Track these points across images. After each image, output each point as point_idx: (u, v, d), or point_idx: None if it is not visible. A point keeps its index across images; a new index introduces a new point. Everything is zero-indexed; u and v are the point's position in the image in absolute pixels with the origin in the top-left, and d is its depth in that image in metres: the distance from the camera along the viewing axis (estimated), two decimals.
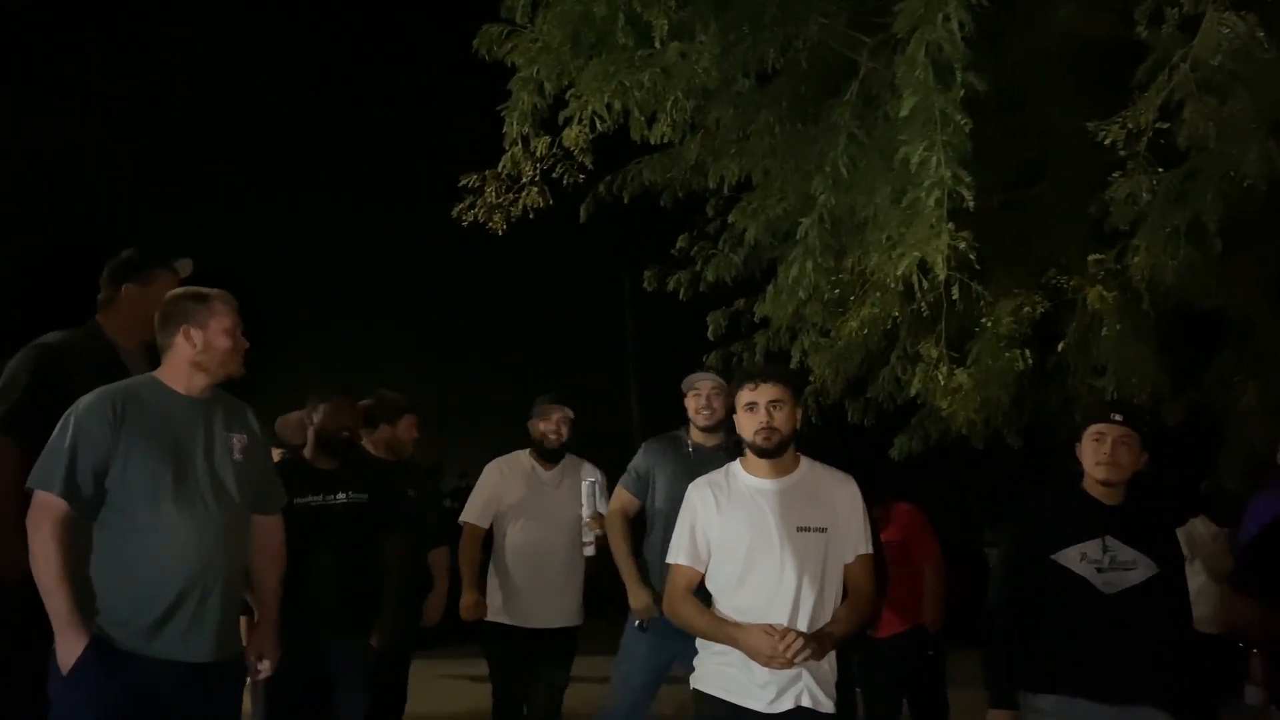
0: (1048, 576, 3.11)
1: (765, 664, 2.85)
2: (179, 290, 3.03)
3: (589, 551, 4.46)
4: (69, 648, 2.64)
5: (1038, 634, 3.12)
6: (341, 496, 4.06)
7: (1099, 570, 3.06)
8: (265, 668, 3.06)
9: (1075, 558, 3.08)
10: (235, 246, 11.46)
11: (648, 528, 4.26)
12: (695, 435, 4.30)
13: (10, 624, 3.06)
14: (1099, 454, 3.14)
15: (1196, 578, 5.23)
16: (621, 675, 4.25)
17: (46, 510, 2.69)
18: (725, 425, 4.17)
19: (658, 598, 3.93)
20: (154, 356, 3.41)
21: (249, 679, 3.11)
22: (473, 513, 4.68)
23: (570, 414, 4.71)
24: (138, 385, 2.91)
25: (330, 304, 13.85)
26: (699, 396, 4.25)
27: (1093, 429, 3.18)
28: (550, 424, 4.66)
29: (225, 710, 2.92)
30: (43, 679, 2.71)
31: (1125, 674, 3.03)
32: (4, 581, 3.04)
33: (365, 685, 4.07)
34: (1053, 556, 3.11)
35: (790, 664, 2.83)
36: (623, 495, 4.33)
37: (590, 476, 4.54)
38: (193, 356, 2.88)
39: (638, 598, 4.16)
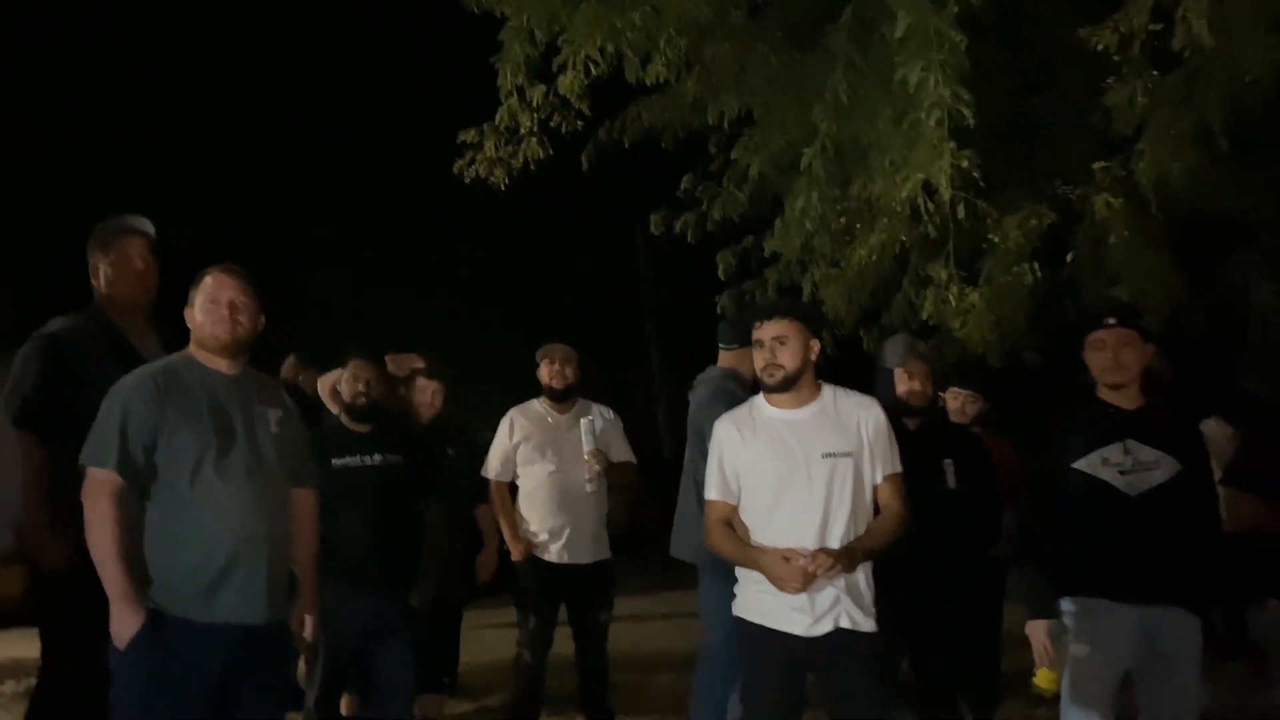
0: (1072, 486, 3.15)
1: (780, 588, 2.90)
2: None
3: (589, 489, 4.59)
4: (124, 622, 2.71)
5: (1065, 542, 3.17)
6: (377, 458, 4.13)
7: (1121, 473, 3.11)
8: (308, 635, 3.15)
9: (1098, 463, 3.13)
10: (240, 213, 11.51)
11: None
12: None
13: (59, 612, 3.16)
14: (1103, 359, 3.19)
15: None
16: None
17: (101, 486, 2.75)
18: None
19: None
20: (159, 329, 3.50)
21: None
22: (492, 468, 4.78)
23: (573, 354, 4.76)
24: (176, 363, 2.98)
25: (343, 267, 13.87)
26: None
27: (1093, 337, 3.23)
28: (554, 367, 4.74)
29: (278, 669, 3.03)
30: (101, 658, 2.79)
31: (1152, 575, 3.07)
32: (46, 572, 3.14)
33: (409, 643, 4.17)
34: (1075, 465, 3.15)
35: (805, 586, 2.87)
36: None
37: (587, 415, 4.64)
38: (195, 334, 2.97)
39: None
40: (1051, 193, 4.69)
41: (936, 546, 3.48)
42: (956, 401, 4.95)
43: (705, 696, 4.12)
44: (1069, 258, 4.72)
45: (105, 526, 2.72)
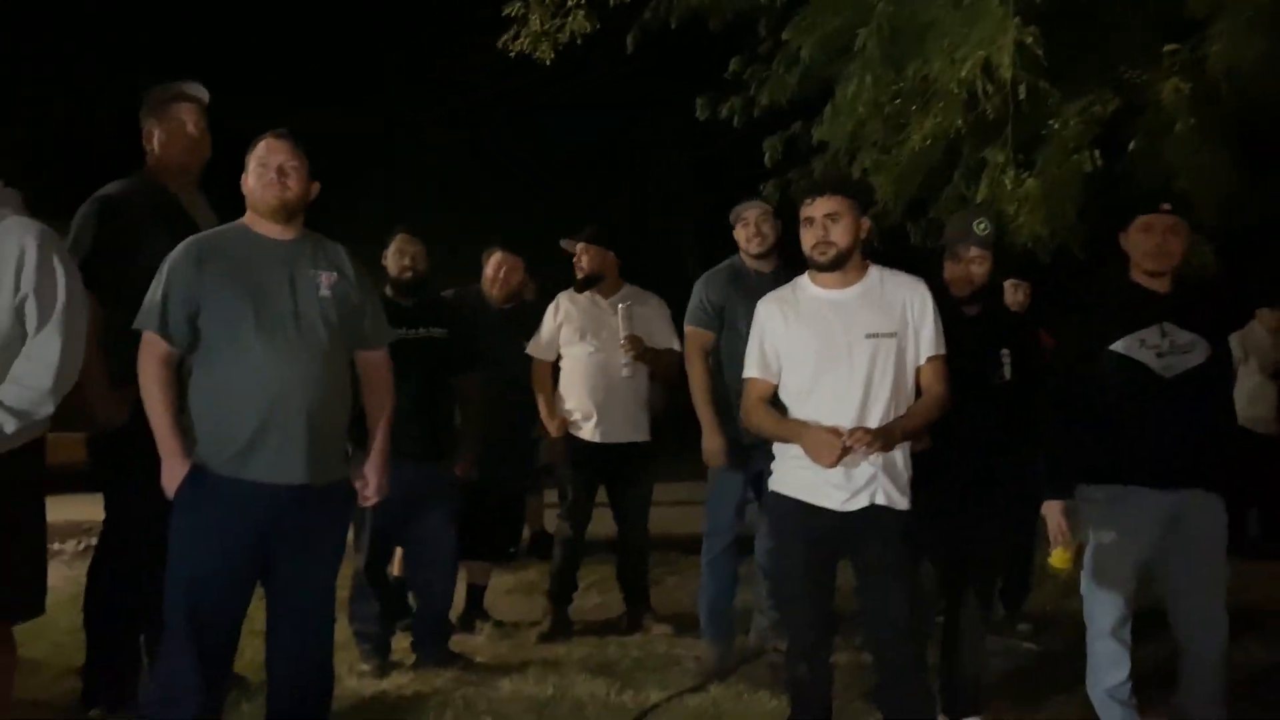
0: (1107, 367, 3.15)
1: (818, 462, 2.90)
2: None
3: (626, 373, 4.67)
4: (171, 474, 2.89)
5: (1095, 426, 3.17)
6: (422, 331, 4.23)
7: (1159, 355, 3.12)
8: (371, 494, 3.24)
9: (1135, 345, 3.13)
10: (278, 89, 11.34)
11: (724, 367, 4.21)
12: (750, 264, 4.34)
13: (121, 471, 3.28)
14: (1148, 244, 3.16)
15: (1252, 377, 5.16)
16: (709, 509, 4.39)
17: (149, 348, 2.93)
18: (776, 250, 4.28)
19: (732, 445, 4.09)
20: (210, 195, 3.54)
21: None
22: (535, 347, 4.85)
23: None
24: (225, 231, 3.07)
25: (386, 145, 13.70)
26: (747, 225, 4.30)
27: (1141, 220, 3.19)
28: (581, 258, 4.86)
29: (331, 530, 3.12)
30: (162, 516, 2.92)
31: (1181, 458, 3.10)
32: (104, 428, 3.26)
33: (450, 513, 4.30)
34: (1111, 347, 3.15)
35: (839, 459, 2.87)
36: (700, 334, 4.30)
37: (626, 300, 4.70)
38: (248, 200, 3.02)
39: (711, 440, 4.23)
40: (1115, 78, 4.51)
41: (986, 436, 3.46)
42: (1017, 294, 4.92)
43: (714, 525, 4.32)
44: (1130, 146, 4.56)
45: (153, 387, 2.90)
